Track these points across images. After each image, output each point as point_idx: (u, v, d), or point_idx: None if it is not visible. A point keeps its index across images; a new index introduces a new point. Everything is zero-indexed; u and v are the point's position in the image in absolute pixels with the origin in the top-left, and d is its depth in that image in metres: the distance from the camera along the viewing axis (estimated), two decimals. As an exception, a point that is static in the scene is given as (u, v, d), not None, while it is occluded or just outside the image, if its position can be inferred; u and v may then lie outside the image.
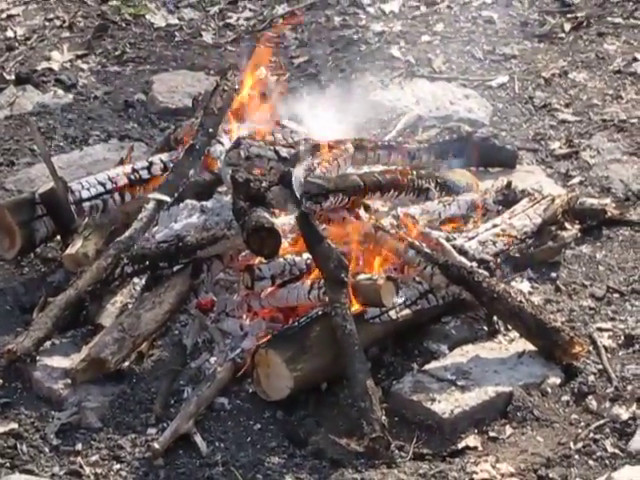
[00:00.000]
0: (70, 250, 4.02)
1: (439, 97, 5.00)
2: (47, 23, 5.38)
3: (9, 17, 5.49)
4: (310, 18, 5.52)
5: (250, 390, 3.63)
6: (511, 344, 3.80)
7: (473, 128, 4.82)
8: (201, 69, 5.19)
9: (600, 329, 3.89)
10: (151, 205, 4.06)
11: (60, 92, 5.02)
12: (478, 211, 4.26)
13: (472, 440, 3.47)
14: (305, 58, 5.31)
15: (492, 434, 3.50)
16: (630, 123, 4.86)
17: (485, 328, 3.89)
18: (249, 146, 4.20)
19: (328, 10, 5.57)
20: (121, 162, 4.42)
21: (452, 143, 4.63)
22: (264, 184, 3.91)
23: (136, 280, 3.97)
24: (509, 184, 4.36)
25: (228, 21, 5.54)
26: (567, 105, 4.98)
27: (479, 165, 4.58)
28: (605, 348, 3.80)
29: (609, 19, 5.45)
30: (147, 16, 5.48)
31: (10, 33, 5.40)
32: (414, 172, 4.25)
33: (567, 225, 4.23)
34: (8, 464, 3.40)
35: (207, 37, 5.43)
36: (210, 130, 4.28)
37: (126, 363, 3.71)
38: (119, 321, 3.77)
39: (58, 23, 5.47)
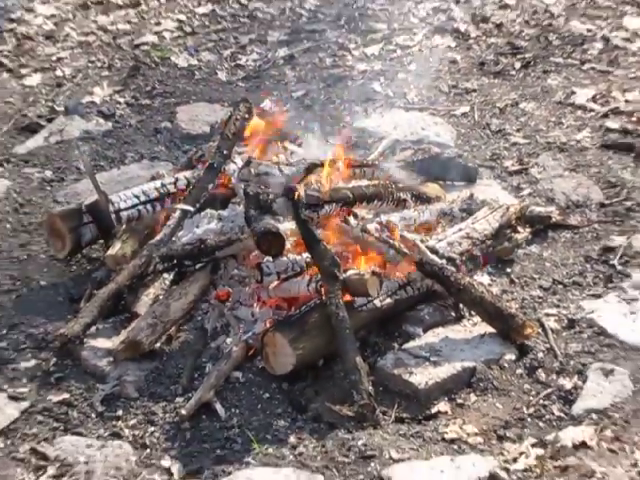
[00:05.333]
0: (111, 251, 4.04)
1: (413, 124, 5.00)
2: (90, 64, 5.38)
3: (58, 59, 5.49)
4: (306, 59, 5.52)
5: (260, 366, 3.63)
6: (474, 327, 3.81)
7: (441, 149, 4.82)
8: (217, 101, 5.18)
9: (547, 314, 3.90)
10: (177, 214, 4.06)
11: (101, 121, 5.01)
12: (446, 218, 4.27)
13: (443, 406, 3.48)
14: (302, 92, 5.30)
15: (459, 401, 3.51)
16: (570, 145, 4.87)
17: (453, 314, 3.90)
18: (258, 165, 4.20)
19: (321, 53, 5.57)
20: (152, 178, 4.42)
21: (424, 162, 4.64)
22: (271, 196, 3.93)
23: (166, 275, 3.98)
24: (471, 195, 4.37)
25: (239, 62, 5.55)
26: (518, 130, 4.98)
27: (446, 179, 4.58)
28: (551, 330, 3.82)
29: (552, 59, 5.47)
30: (172, 58, 5.48)
31: (59, 72, 5.39)
32: (393, 185, 4.26)
33: (519, 229, 4.24)
34: (62, 427, 3.42)
35: (222, 75, 5.43)
36: (225, 152, 4.28)
37: (158, 344, 3.73)
38: (152, 309, 3.78)
39: (99, 64, 5.46)
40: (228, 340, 3.73)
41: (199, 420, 3.43)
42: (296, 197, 3.80)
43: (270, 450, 3.29)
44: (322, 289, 3.68)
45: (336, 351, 3.58)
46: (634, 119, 4.98)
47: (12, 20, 5.65)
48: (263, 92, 5.15)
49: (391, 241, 3.84)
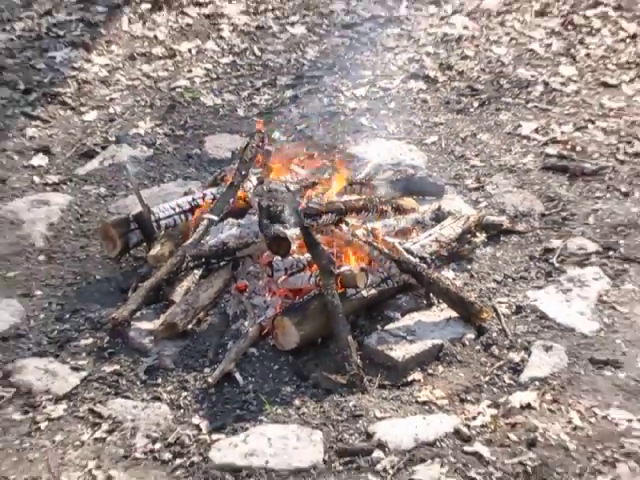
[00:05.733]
0: (152, 252, 4.02)
1: (392, 151, 4.99)
2: (136, 103, 5.38)
3: (111, 99, 5.48)
4: (308, 99, 5.51)
5: (271, 343, 3.64)
6: (442, 312, 3.80)
7: (415, 171, 4.81)
8: (237, 133, 5.17)
9: (500, 302, 3.89)
10: (205, 222, 4.04)
11: (145, 148, 5.01)
12: (419, 225, 4.26)
13: (417, 375, 3.49)
14: (304, 125, 5.28)
15: (430, 371, 3.52)
16: (517, 167, 4.88)
17: (425, 302, 3.89)
18: (269, 183, 4.19)
19: (319, 94, 5.57)
20: (185, 194, 4.41)
21: (401, 181, 4.63)
22: (279, 208, 3.93)
23: (196, 271, 3.96)
24: (439, 207, 4.35)
25: (254, 101, 5.54)
26: (476, 155, 4.98)
27: (419, 195, 4.56)
28: (503, 314, 3.81)
29: (503, 99, 5.47)
30: (201, 98, 5.49)
31: (112, 110, 5.38)
32: (377, 199, 4.25)
33: (477, 234, 4.22)
34: (113, 392, 3.43)
35: (240, 112, 5.42)
36: (243, 173, 4.25)
37: (190, 326, 3.72)
38: (185, 298, 3.77)
39: (143, 103, 5.45)
40: (246, 323, 3.73)
41: (222, 387, 3.43)
42: (300, 209, 3.82)
43: (279, 410, 3.31)
44: (320, 282, 3.67)
45: (331, 331, 3.57)
46: (568, 147, 4.99)
47: (74, 68, 5.65)
48: (273, 125, 5.15)
49: (375, 244, 3.84)
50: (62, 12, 6.25)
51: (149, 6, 6.35)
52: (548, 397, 3.35)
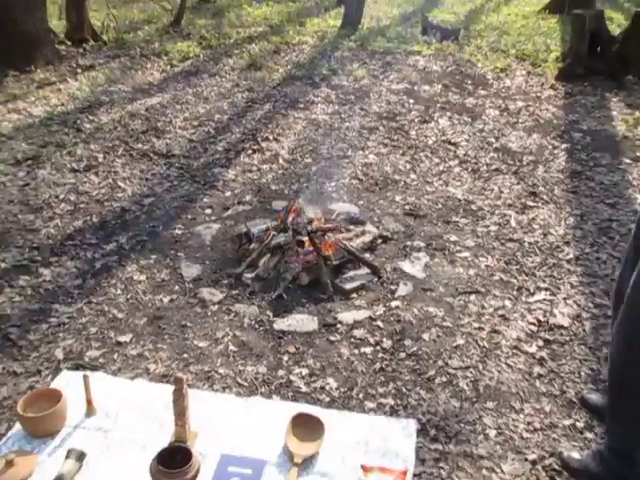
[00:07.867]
0: (250, 246, 4.02)
1: (345, 207, 4.93)
2: (244, 189, 5.33)
3: (235, 187, 5.44)
4: (312, 189, 5.48)
5: (297, 282, 3.63)
6: (364, 270, 3.80)
7: (353, 215, 4.79)
8: (284, 200, 5.13)
9: (386, 266, 3.91)
10: (271, 234, 4.03)
11: (248, 207, 4.96)
12: (355, 236, 4.26)
13: (355, 295, 3.51)
14: (310, 198, 5.25)
15: (360, 293, 3.53)
16: (394, 214, 4.87)
17: (358, 266, 3.88)
18: (296, 218, 4.20)
19: (316, 186, 5.52)
20: (264, 224, 4.37)
21: (348, 219, 4.61)
22: (301, 228, 3.94)
23: (268, 254, 3.93)
24: (364, 229, 4.35)
25: (291, 187, 5.46)
26: (378, 209, 4.97)
27: (355, 224, 4.52)
28: (386, 270, 3.82)
29: (388, 187, 5.43)
30: (270, 186, 5.43)
31: (236, 191, 5.33)
32: (339, 225, 4.27)
33: (378, 240, 4.25)
34: (234, 301, 3.43)
35: (285, 191, 5.39)
36: (286, 214, 4.25)
37: (265, 275, 3.71)
38: (264, 264, 3.78)
39: (247, 189, 5.41)
40: (287, 274, 3.72)
41: (279, 299, 3.44)
42: (309, 230, 3.83)
43: (300, 308, 3.32)
44: (316, 257, 3.68)
45: (321, 278, 3.59)
46: (414, 206, 5.00)
47: (222, 175, 5.62)
48: (297, 197, 5.14)
49: (338, 243, 3.86)
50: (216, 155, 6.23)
51: (251, 152, 6.33)
52: (405, 303, 3.39)
